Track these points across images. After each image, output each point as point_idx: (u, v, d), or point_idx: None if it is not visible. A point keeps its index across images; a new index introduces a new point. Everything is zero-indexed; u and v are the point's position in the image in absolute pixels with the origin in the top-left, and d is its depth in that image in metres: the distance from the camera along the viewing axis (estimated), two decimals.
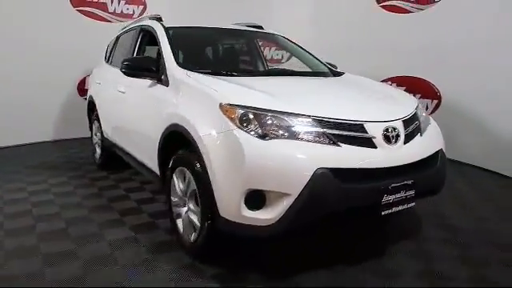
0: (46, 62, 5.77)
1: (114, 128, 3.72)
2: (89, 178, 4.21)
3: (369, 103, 2.50)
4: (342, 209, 2.06)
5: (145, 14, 6.41)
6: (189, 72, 2.64)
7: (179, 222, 2.60)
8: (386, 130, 2.19)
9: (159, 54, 3.02)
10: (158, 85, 2.83)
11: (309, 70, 3.42)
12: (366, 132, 2.14)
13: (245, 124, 2.04)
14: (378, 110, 2.35)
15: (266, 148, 1.97)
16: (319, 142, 2.03)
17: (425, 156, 2.32)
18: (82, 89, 6.36)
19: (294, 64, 3.90)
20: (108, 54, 4.45)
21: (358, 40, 5.91)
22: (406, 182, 2.18)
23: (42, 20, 5.73)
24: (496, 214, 3.30)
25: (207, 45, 3.66)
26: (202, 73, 2.65)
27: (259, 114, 2.07)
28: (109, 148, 4.20)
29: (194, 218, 2.37)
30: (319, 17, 6.38)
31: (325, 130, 2.06)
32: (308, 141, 2.02)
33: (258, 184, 1.97)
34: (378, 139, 2.14)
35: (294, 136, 2.03)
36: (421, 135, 2.42)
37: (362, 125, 2.15)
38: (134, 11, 6.54)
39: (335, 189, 1.97)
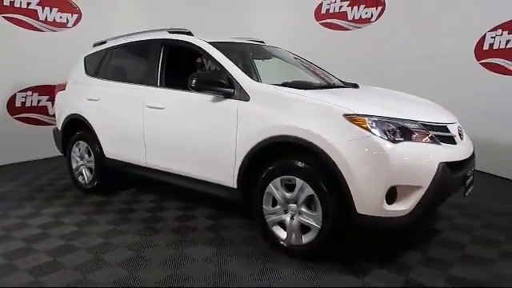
0: None
1: (137, 147, 3.50)
2: (88, 204, 3.83)
3: (430, 108, 3.03)
4: (451, 194, 2.55)
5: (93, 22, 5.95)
6: (276, 86, 2.80)
7: (277, 229, 2.74)
8: (458, 129, 2.76)
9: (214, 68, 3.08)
10: (229, 99, 2.88)
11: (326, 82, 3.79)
12: (450, 132, 2.66)
13: (374, 130, 2.36)
14: (443, 114, 2.90)
15: (400, 149, 2.33)
16: (429, 142, 2.47)
17: (473, 148, 2.97)
18: (12, 107, 5.55)
19: None
20: (94, 68, 4.10)
21: (301, 54, 6.51)
22: (472, 169, 2.79)
23: None
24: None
25: (246, 59, 3.75)
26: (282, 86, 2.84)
27: (383, 121, 2.40)
28: (112, 169, 3.91)
29: (310, 221, 2.55)
30: (265, 32, 6.81)
31: (429, 132, 2.51)
32: (422, 142, 2.45)
33: (397, 181, 2.31)
34: (457, 137, 2.70)
35: (411, 138, 2.42)
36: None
37: (446, 126, 2.67)
38: (67, 20, 6.01)
39: (450, 178, 2.45)
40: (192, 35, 3.45)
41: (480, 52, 4.87)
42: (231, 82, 2.90)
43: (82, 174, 4.17)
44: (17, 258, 2.71)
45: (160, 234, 3.12)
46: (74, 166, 4.24)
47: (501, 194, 4.24)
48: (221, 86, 2.88)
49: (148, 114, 3.38)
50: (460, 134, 2.76)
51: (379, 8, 5.96)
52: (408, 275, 2.46)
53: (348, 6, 6.26)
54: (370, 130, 2.35)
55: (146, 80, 3.51)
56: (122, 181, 4.37)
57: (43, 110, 5.89)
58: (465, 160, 2.68)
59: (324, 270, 2.52)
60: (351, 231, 2.68)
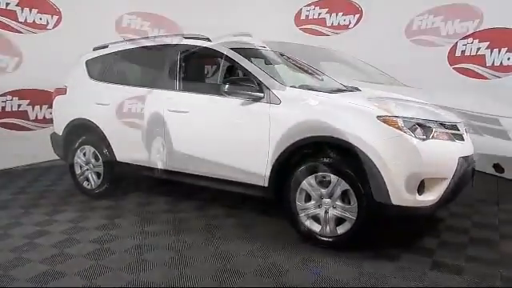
0: None
1: (156, 150, 3.55)
2: (102, 209, 3.82)
3: (438, 109, 3.37)
4: (466, 184, 2.90)
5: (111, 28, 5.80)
6: (304, 90, 3.03)
7: (310, 223, 2.95)
8: (464, 127, 3.14)
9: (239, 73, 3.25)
10: (259, 103, 3.05)
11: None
12: (459, 130, 3.02)
13: (405, 130, 2.64)
14: (451, 114, 3.25)
15: (427, 146, 2.64)
16: (446, 140, 2.80)
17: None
18: None
19: None
20: (100, 72, 4.07)
21: None
22: (475, 163, 3.17)
23: None
24: None
25: (263, 64, 3.90)
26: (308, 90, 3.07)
27: (410, 121, 2.70)
28: (122, 173, 3.93)
29: (346, 213, 2.79)
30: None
31: (446, 130, 2.84)
32: (442, 139, 2.77)
33: (428, 174, 2.63)
34: (464, 135, 3.06)
35: (433, 136, 2.74)
36: None
37: (456, 125, 3.02)
38: (47, 21, 5.82)
39: (466, 170, 2.80)
40: (210, 41, 3.56)
41: (453, 58, 5.40)
42: (260, 87, 3.07)
43: (88, 179, 4.12)
44: (57, 264, 2.70)
45: (190, 233, 3.21)
46: (78, 171, 4.17)
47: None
48: (252, 90, 3.05)
49: (170, 117, 3.45)
50: (466, 132, 3.14)
51: (356, 15, 6.37)
52: (434, 257, 2.78)
53: (327, 12, 6.62)
54: (401, 130, 2.63)
55: (165, 84, 3.58)
56: (126, 184, 4.36)
57: (24, 115, 5.65)
58: (471, 154, 3.05)
59: (361, 258, 2.76)
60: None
